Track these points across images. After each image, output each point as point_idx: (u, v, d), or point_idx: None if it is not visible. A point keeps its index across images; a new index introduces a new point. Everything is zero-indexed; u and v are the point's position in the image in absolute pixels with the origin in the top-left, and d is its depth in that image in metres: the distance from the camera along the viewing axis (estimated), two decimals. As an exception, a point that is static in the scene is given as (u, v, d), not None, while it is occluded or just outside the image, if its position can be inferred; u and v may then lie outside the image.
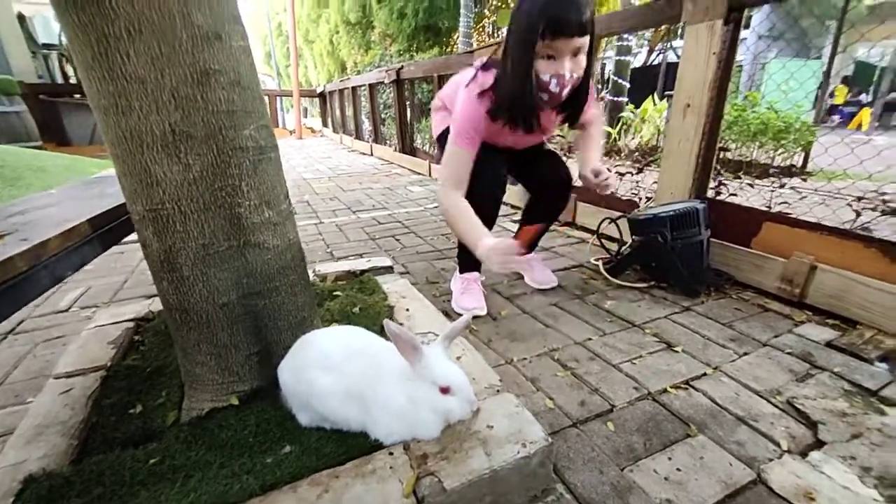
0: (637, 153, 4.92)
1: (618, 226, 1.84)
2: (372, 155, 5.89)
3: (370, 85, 5.56)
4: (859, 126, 10.19)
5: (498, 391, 0.84)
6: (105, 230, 0.79)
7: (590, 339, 1.26)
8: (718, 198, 1.84)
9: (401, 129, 4.81)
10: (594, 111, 1.40)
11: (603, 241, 1.85)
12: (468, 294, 1.47)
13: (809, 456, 0.82)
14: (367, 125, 6.47)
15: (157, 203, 0.69)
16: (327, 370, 0.73)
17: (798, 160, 4.18)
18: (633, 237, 1.64)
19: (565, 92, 1.10)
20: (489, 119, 1.19)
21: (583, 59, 1.07)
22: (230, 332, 0.79)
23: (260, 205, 0.76)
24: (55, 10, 0.62)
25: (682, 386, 1.04)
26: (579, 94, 1.18)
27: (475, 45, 11.00)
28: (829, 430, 0.89)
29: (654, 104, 5.01)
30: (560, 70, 1.04)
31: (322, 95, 8.96)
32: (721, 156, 4.34)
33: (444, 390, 0.71)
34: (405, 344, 0.69)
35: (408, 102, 4.80)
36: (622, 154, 5.04)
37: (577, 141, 1.51)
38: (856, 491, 0.74)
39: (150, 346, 1.05)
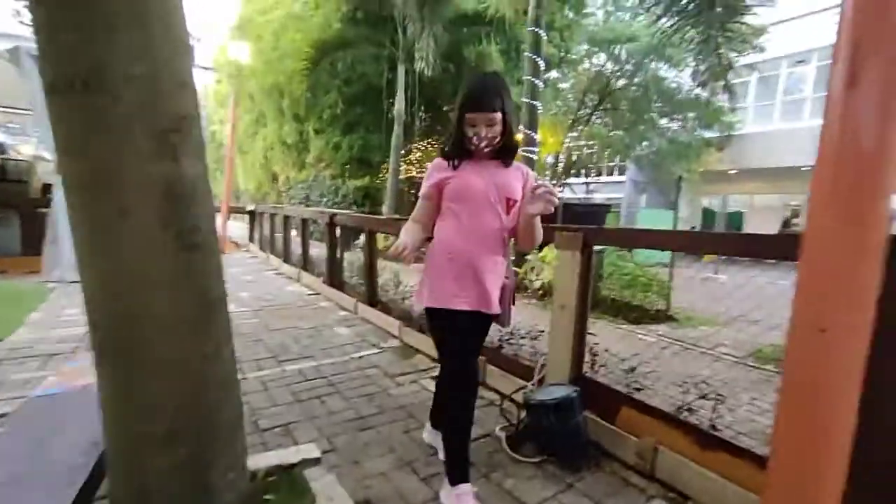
0: (541, 291, 5.69)
1: (513, 400, 2.20)
2: (299, 281, 6.03)
3: (303, 219, 5.94)
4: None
5: None
6: None
7: (492, 530, 1.49)
8: (593, 374, 2.31)
9: (330, 264, 5.12)
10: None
11: (508, 407, 2.19)
12: None
13: None
14: (295, 244, 6.71)
15: (142, 486, 0.86)
16: None
17: (663, 304, 5.16)
18: (527, 417, 1.99)
19: (483, 144, 1.51)
20: (444, 163, 1.61)
21: (497, 127, 1.50)
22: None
23: (226, 471, 0.96)
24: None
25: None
26: (505, 146, 1.58)
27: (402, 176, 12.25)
28: None
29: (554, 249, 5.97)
30: (478, 132, 1.50)
31: (252, 213, 9.17)
32: (608, 300, 5.21)
33: None
34: None
35: (338, 238, 5.21)
36: (528, 291, 5.78)
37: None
38: None
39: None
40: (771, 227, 13.71)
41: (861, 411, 1.33)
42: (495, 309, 1.59)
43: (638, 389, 2.27)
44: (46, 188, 5.98)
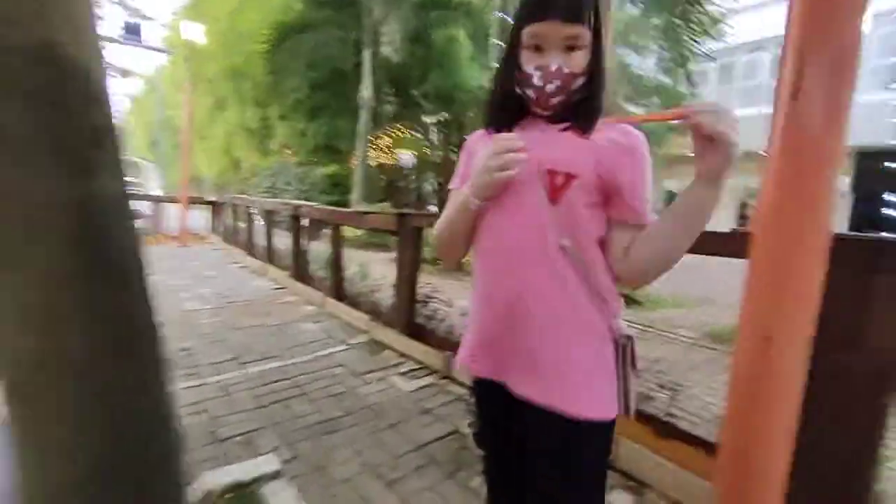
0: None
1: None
2: (265, 275, 5.85)
3: (267, 210, 5.73)
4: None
5: None
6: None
7: (455, 533, 1.49)
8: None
9: (295, 257, 4.98)
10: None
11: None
12: None
13: None
14: (260, 236, 6.49)
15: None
16: None
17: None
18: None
19: (551, 87, 0.78)
20: (480, 133, 0.94)
21: (580, 56, 0.78)
22: None
23: (164, 502, 0.90)
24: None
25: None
26: (587, 101, 0.81)
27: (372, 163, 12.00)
28: None
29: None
30: (544, 64, 0.77)
31: (214, 203, 8.79)
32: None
33: None
34: None
35: (304, 230, 5.05)
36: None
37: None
38: None
39: None
40: (728, 209, 14.36)
41: (804, 405, 1.38)
42: (559, 400, 0.77)
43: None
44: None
